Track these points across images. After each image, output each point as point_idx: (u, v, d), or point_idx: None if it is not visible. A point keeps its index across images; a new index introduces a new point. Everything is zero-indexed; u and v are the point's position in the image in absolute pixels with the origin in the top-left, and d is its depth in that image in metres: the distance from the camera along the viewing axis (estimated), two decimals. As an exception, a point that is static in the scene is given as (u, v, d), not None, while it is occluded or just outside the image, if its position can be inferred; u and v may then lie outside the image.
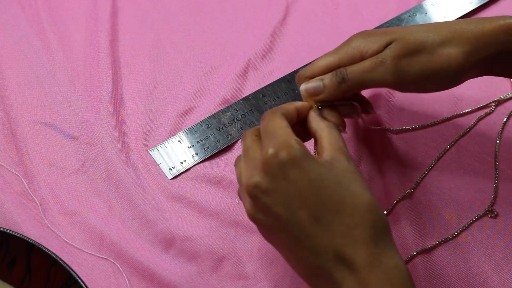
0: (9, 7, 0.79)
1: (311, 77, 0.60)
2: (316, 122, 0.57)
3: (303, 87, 0.59)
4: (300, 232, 0.49)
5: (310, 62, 0.62)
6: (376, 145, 0.71)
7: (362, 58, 0.59)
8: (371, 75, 0.58)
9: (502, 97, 0.74)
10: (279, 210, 0.50)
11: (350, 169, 0.51)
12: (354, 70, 0.58)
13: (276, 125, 0.53)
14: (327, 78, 0.59)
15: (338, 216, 0.49)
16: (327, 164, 0.51)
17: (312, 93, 0.59)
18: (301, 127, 0.58)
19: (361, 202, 0.49)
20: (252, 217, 0.52)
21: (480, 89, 0.74)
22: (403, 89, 0.60)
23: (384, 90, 0.75)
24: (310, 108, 0.59)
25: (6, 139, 0.71)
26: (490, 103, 0.73)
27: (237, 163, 0.55)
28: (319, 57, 0.61)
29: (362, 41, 0.59)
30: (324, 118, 0.58)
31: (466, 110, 0.73)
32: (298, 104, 0.58)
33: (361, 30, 0.78)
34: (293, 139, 0.51)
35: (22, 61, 0.76)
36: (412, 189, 0.69)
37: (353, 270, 0.48)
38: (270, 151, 0.50)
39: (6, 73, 0.75)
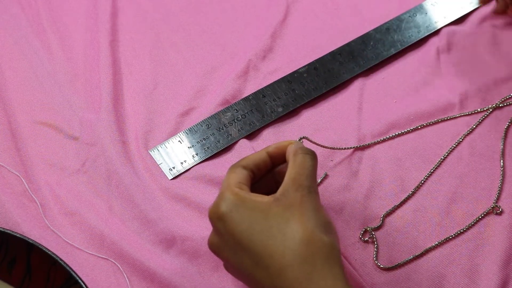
0: (9, 7, 0.79)
1: None
2: (289, 154, 0.56)
3: None
4: (247, 273, 0.53)
5: None
6: (381, 144, 0.71)
7: None
8: None
9: (503, 98, 0.74)
10: (227, 255, 0.54)
11: (292, 204, 0.52)
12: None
13: (225, 180, 0.55)
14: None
15: (272, 259, 0.50)
16: (265, 206, 0.52)
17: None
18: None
19: (293, 239, 0.50)
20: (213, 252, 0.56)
21: (484, 87, 0.75)
22: None
23: (386, 89, 0.75)
24: (289, 144, 0.58)
25: (6, 139, 0.71)
26: (488, 108, 0.74)
27: None
28: None
29: None
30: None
31: (471, 111, 0.73)
32: (271, 147, 0.58)
33: (361, 30, 0.79)
34: (229, 190, 0.53)
35: (22, 61, 0.76)
36: (418, 187, 0.69)
37: None
38: (210, 207, 0.54)
39: (6, 73, 0.75)
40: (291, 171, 0.54)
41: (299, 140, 0.58)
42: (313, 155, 0.55)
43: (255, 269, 0.52)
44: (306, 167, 0.54)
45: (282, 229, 0.51)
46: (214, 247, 0.55)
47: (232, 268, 0.55)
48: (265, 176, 0.59)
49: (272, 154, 0.58)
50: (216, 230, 0.54)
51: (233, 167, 0.56)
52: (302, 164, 0.54)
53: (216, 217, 0.53)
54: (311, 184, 0.53)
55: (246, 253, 0.52)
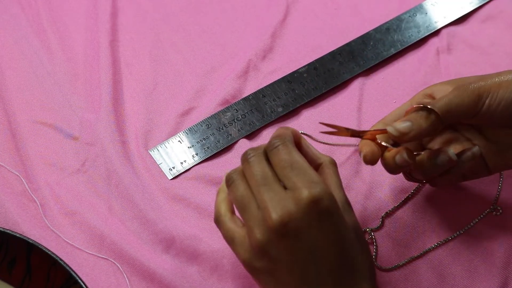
0: (9, 7, 0.79)
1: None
2: (314, 155, 0.57)
3: (391, 128, 0.57)
4: (309, 276, 0.51)
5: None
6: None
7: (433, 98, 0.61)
8: (457, 98, 0.57)
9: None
10: (301, 255, 0.50)
11: (354, 225, 0.54)
12: (438, 100, 0.58)
13: (303, 161, 0.52)
14: (412, 116, 0.58)
15: (351, 277, 0.52)
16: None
17: (404, 132, 0.57)
18: None
19: (367, 262, 0.53)
20: (250, 261, 0.53)
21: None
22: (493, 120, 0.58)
23: (386, 89, 0.75)
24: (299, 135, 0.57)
25: (6, 139, 0.71)
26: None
27: (237, 185, 0.53)
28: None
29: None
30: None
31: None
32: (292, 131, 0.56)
33: (361, 30, 0.79)
34: (327, 187, 0.51)
35: (22, 61, 0.76)
36: (418, 188, 0.69)
37: None
38: (315, 193, 0.49)
39: (6, 73, 0.75)
40: (333, 179, 0.55)
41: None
42: (335, 163, 0.57)
43: (329, 276, 0.51)
44: (335, 178, 0.56)
45: (363, 246, 0.53)
46: (254, 269, 0.53)
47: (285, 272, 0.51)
48: None
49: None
50: (308, 217, 0.49)
51: (289, 144, 0.53)
52: (335, 175, 0.56)
53: (318, 209, 0.49)
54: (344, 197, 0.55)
55: (328, 260, 0.50)
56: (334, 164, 0.57)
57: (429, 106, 0.57)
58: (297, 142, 0.56)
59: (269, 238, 0.50)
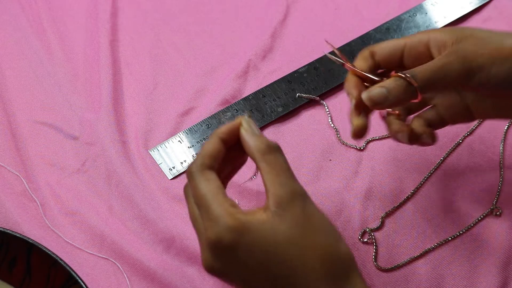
0: (9, 7, 0.79)
1: (374, 54, 0.58)
2: (251, 150, 0.50)
3: (365, 95, 0.55)
4: None
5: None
6: (381, 145, 0.71)
7: (427, 48, 0.56)
8: (443, 70, 0.53)
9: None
10: (235, 280, 0.49)
11: (296, 219, 0.48)
12: (422, 69, 0.54)
13: (204, 194, 0.49)
14: (389, 81, 0.55)
15: (296, 283, 0.48)
16: (270, 226, 0.48)
17: (377, 102, 0.55)
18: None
19: (312, 260, 0.48)
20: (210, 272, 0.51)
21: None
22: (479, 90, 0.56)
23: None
24: (239, 126, 0.52)
25: (6, 139, 0.71)
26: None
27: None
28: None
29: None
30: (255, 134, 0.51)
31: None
32: (223, 133, 0.51)
33: (361, 30, 0.79)
34: (226, 216, 0.47)
35: (22, 61, 0.76)
36: (417, 188, 0.69)
37: None
38: (212, 236, 0.48)
39: (6, 73, 0.75)
40: (270, 176, 0.49)
41: (247, 116, 0.52)
42: (279, 148, 0.50)
43: None
44: (282, 166, 0.49)
45: (300, 250, 0.48)
46: (216, 272, 0.50)
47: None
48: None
49: (226, 139, 0.51)
50: (218, 258, 0.48)
51: (199, 172, 0.50)
52: (277, 164, 0.49)
53: (220, 247, 0.47)
54: (297, 185, 0.49)
55: (262, 277, 0.48)
56: (271, 151, 0.50)
57: (408, 76, 0.54)
58: (234, 134, 0.52)
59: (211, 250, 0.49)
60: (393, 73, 0.55)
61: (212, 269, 0.49)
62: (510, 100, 0.58)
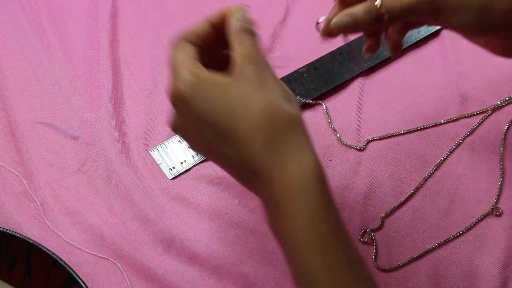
0: (9, 7, 0.79)
1: None
2: (230, 33, 0.53)
3: (333, 22, 0.56)
4: (215, 151, 0.51)
5: None
6: (381, 145, 0.71)
7: None
8: (413, 7, 0.54)
9: (503, 99, 0.74)
10: (192, 135, 0.53)
11: (252, 79, 0.50)
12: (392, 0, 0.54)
13: (176, 59, 0.52)
14: (359, 10, 0.55)
15: (237, 133, 0.49)
16: (226, 85, 0.50)
17: (344, 29, 0.56)
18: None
19: (255, 111, 0.49)
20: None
21: (484, 88, 0.75)
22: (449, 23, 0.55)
23: (386, 89, 0.75)
24: (229, 12, 0.54)
25: (6, 139, 0.71)
26: (487, 109, 0.74)
27: None
28: None
29: None
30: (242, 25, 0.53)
31: (471, 112, 0.73)
32: (214, 16, 0.55)
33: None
34: (186, 70, 0.51)
35: (22, 61, 0.76)
36: (417, 188, 0.69)
37: (261, 180, 0.49)
38: (173, 90, 0.51)
39: (6, 73, 0.75)
40: (240, 49, 0.51)
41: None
42: (254, 33, 0.53)
43: (222, 146, 0.50)
44: (254, 45, 0.52)
45: (244, 103, 0.49)
46: (178, 129, 0.53)
47: (199, 148, 0.54)
48: (211, 50, 0.55)
49: (216, 23, 0.55)
50: (179, 112, 0.52)
51: (178, 43, 0.53)
52: (250, 43, 0.52)
53: (178, 99, 0.51)
54: (261, 57, 0.51)
55: (212, 131, 0.50)
56: (242, 33, 0.52)
57: (377, 4, 0.54)
58: (220, 24, 0.54)
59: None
60: None
61: (175, 127, 0.53)
62: (475, 40, 0.59)
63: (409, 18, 0.56)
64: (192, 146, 0.55)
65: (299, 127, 0.50)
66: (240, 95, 0.50)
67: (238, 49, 0.51)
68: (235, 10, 0.54)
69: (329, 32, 0.57)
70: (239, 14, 0.53)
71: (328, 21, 0.57)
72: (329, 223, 0.48)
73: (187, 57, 0.52)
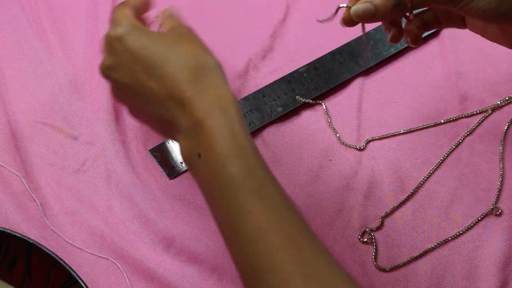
0: (9, 7, 0.79)
1: None
2: (162, 19, 0.60)
3: (353, 8, 0.56)
4: (141, 88, 0.54)
5: None
6: (381, 145, 0.71)
7: None
8: None
9: (503, 99, 0.74)
10: (119, 74, 0.55)
11: (182, 32, 0.57)
12: None
13: (118, 12, 0.57)
14: None
15: (165, 67, 0.53)
16: (159, 33, 0.56)
17: (363, 17, 0.55)
18: None
19: (184, 54, 0.54)
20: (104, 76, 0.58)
21: (484, 88, 0.75)
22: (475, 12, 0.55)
23: (386, 89, 0.75)
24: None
25: (6, 139, 0.71)
26: (487, 109, 0.74)
27: None
28: None
29: None
30: None
31: (471, 112, 0.73)
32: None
33: (361, 30, 0.78)
34: (125, 18, 0.56)
35: (22, 61, 0.76)
36: (417, 188, 0.69)
37: (183, 107, 0.52)
38: (110, 32, 0.56)
39: (6, 73, 0.75)
40: (170, 22, 0.59)
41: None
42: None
43: (148, 80, 0.53)
44: (181, 20, 0.60)
45: (174, 47, 0.54)
46: (107, 69, 0.56)
47: (123, 89, 0.56)
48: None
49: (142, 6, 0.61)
50: (111, 51, 0.55)
51: (120, 4, 0.58)
52: (178, 18, 0.60)
53: (114, 38, 0.55)
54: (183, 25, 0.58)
55: (141, 65, 0.54)
56: (172, 15, 0.61)
57: None
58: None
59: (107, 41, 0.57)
60: None
61: (105, 67, 0.56)
62: (494, 27, 0.58)
63: (431, 4, 0.56)
64: (116, 87, 0.57)
65: (220, 72, 0.54)
66: (171, 41, 0.55)
67: (169, 22, 0.59)
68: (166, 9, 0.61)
69: (349, 20, 0.57)
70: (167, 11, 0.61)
71: (349, 8, 0.57)
72: (248, 136, 0.51)
73: (129, 12, 0.57)
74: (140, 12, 0.60)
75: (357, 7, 0.56)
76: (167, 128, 0.55)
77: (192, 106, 0.51)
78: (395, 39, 0.60)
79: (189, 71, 0.53)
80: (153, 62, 0.53)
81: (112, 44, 0.55)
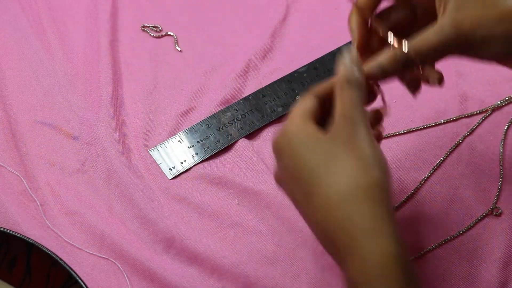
0: (9, 7, 0.79)
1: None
2: (335, 87, 0.53)
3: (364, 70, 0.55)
4: (299, 206, 0.52)
5: None
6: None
7: None
8: (440, 44, 0.53)
9: (503, 99, 0.74)
10: (285, 187, 0.53)
11: (342, 141, 0.50)
12: (419, 41, 0.54)
13: (292, 110, 0.53)
14: (385, 60, 0.54)
15: (318, 195, 0.50)
16: (320, 143, 0.51)
17: (374, 78, 0.55)
18: None
19: (338, 178, 0.49)
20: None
21: (484, 88, 0.75)
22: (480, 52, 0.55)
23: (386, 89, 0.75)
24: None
25: (6, 139, 0.71)
26: (487, 109, 0.74)
27: None
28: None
29: None
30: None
31: (471, 112, 0.73)
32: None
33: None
34: (288, 122, 0.52)
35: (22, 61, 0.76)
36: (417, 188, 0.69)
37: (341, 257, 0.49)
38: (273, 140, 0.53)
39: (6, 73, 0.75)
40: (338, 107, 0.52)
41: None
42: (358, 85, 0.52)
43: (304, 203, 0.51)
44: (353, 102, 0.51)
45: (330, 166, 0.49)
46: (276, 178, 0.55)
47: (292, 201, 0.53)
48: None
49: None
50: (277, 162, 0.53)
51: (303, 96, 0.54)
52: (350, 99, 0.51)
53: (275, 150, 0.53)
54: (358, 115, 0.51)
55: (297, 185, 0.51)
56: (345, 84, 0.52)
57: (404, 49, 0.54)
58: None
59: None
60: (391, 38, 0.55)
61: (275, 177, 0.55)
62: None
63: (439, 57, 0.56)
64: (290, 198, 0.54)
65: (381, 194, 0.49)
66: (329, 157, 0.50)
67: (337, 106, 0.52)
68: (345, 52, 0.54)
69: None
70: (347, 59, 0.53)
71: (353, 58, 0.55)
72: None
73: (299, 108, 0.53)
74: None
75: (367, 69, 0.55)
76: (330, 254, 0.51)
77: (347, 263, 0.48)
78: (415, 92, 0.60)
79: (340, 204, 0.48)
80: (307, 184, 0.50)
81: (274, 155, 0.53)
